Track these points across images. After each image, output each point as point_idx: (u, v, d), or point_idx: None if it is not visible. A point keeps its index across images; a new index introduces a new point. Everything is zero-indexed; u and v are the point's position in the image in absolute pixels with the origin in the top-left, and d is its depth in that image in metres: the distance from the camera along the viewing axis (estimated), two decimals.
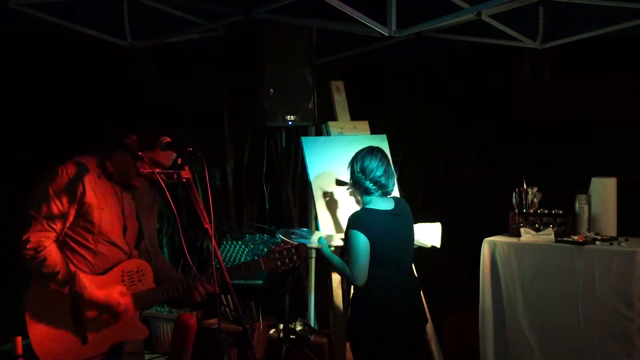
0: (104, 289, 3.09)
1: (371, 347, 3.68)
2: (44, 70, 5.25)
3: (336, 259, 3.79)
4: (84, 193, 3.08)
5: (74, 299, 3.05)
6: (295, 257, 3.40)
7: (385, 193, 3.75)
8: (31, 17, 4.24)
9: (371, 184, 3.70)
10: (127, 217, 3.23)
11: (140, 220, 3.28)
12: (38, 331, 3.03)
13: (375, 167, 3.69)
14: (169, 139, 3.15)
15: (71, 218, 3.09)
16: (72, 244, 3.12)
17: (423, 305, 4.03)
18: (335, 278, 4.43)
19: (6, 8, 4.00)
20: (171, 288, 3.21)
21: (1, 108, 5.10)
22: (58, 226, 3.07)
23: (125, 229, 3.22)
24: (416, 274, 4.09)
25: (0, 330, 3.60)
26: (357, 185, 3.75)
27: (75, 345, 3.06)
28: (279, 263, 3.37)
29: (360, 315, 3.74)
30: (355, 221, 3.63)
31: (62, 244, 3.11)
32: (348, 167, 3.81)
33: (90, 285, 3.05)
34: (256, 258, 3.42)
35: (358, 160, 3.74)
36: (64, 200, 3.05)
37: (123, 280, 3.15)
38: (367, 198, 3.74)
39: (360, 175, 3.71)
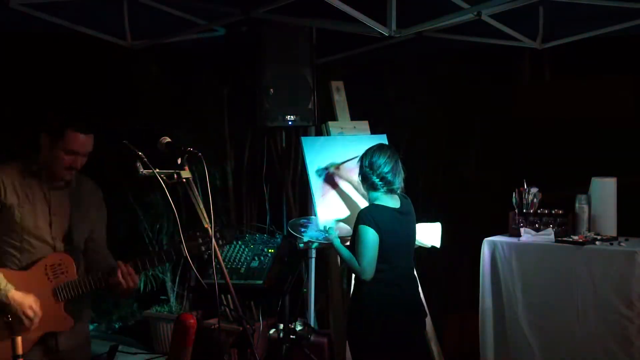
0: (24, 289, 3.13)
1: (370, 342, 3.72)
2: (44, 71, 5.25)
3: (345, 251, 3.85)
4: (5, 196, 3.17)
5: None
6: (219, 242, 3.37)
7: (391, 190, 3.80)
8: (31, 17, 4.24)
9: (377, 179, 3.77)
10: (54, 214, 3.28)
11: (75, 218, 3.32)
12: None
13: (383, 163, 3.77)
14: (168, 139, 3.16)
15: None
16: (2, 246, 3.20)
17: (422, 300, 4.11)
18: (335, 278, 4.43)
19: (6, 8, 4.00)
20: (90, 276, 3.25)
21: (1, 108, 5.10)
22: None
23: (50, 225, 3.26)
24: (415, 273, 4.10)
25: None
26: (365, 180, 3.84)
27: (3, 336, 3.08)
28: (203, 248, 3.27)
29: (360, 309, 3.79)
30: (365, 216, 3.71)
31: None
32: (358, 161, 3.90)
33: (7, 286, 3.09)
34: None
35: (367, 156, 3.83)
36: None
37: (47, 274, 3.21)
38: (374, 194, 3.82)
39: (368, 170, 3.80)
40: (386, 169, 3.76)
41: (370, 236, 3.67)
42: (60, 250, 3.28)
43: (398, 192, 3.86)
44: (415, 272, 4.01)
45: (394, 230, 3.73)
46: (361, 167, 3.84)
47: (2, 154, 3.66)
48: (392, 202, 3.80)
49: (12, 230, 3.20)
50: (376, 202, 3.80)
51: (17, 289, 3.12)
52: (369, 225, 3.67)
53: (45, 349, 3.22)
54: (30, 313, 3.11)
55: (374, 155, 3.79)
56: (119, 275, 3.21)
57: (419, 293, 4.07)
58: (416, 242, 4.51)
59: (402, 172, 3.85)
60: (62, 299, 3.21)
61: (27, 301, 3.11)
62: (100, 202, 3.47)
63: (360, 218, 3.73)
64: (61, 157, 3.18)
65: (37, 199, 3.25)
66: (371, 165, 3.78)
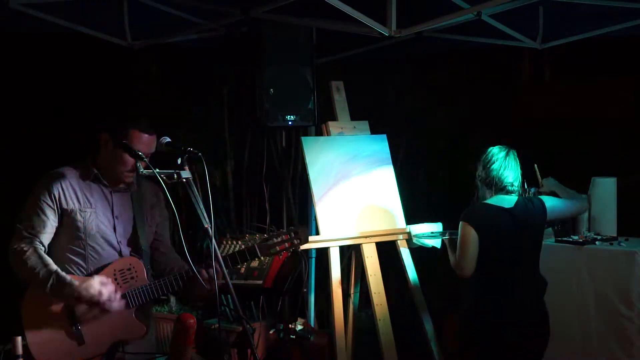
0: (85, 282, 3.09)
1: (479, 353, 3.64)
2: (44, 71, 5.24)
3: (449, 250, 3.81)
4: (65, 201, 3.15)
5: (61, 300, 3.07)
6: (295, 241, 3.35)
7: (508, 191, 3.68)
8: (31, 17, 4.24)
9: (491, 177, 3.67)
10: (118, 217, 3.24)
11: (139, 221, 3.28)
12: (36, 336, 3.05)
13: (496, 161, 3.68)
14: (168, 139, 3.16)
15: (55, 225, 3.16)
16: (66, 253, 3.17)
17: (545, 316, 3.69)
18: (335, 278, 4.43)
19: (6, 8, 4.00)
20: (165, 282, 3.19)
21: (1, 108, 5.10)
22: (42, 235, 3.13)
23: (115, 229, 3.23)
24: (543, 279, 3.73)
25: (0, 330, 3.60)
26: (482, 178, 3.74)
27: (73, 346, 3.06)
28: (277, 248, 3.33)
29: (467, 310, 3.70)
30: (466, 214, 3.66)
31: (58, 255, 3.16)
32: (482, 159, 3.78)
33: (72, 280, 3.06)
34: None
35: (490, 158, 3.73)
36: (47, 211, 3.13)
37: (116, 279, 3.15)
38: (488, 193, 3.71)
39: (482, 167, 3.72)
40: (497, 167, 3.66)
41: (468, 233, 3.58)
42: (126, 254, 3.24)
43: (514, 192, 3.70)
44: (538, 273, 3.69)
45: (500, 230, 3.59)
46: (483, 167, 3.74)
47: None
48: (505, 202, 3.65)
49: (75, 236, 3.15)
50: (485, 201, 3.70)
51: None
52: (468, 222, 3.60)
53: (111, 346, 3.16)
54: (104, 291, 3.05)
55: (489, 154, 3.72)
56: (202, 272, 3.13)
57: (541, 305, 3.69)
58: (417, 242, 4.52)
59: (519, 173, 3.73)
60: (133, 305, 3.15)
61: (94, 281, 3.05)
62: (163, 204, 3.42)
63: (462, 215, 3.66)
64: (125, 158, 3.13)
65: (99, 202, 3.20)
66: (488, 166, 3.69)
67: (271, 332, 4.74)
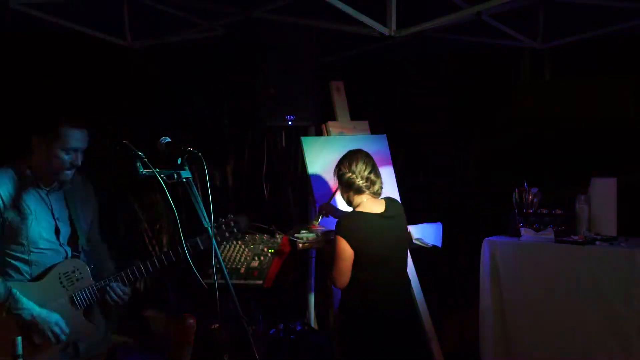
0: (41, 300, 3.06)
1: (359, 347, 3.70)
2: (44, 71, 5.24)
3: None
4: (4, 209, 3.06)
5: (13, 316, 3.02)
6: (234, 230, 3.37)
7: (376, 193, 3.75)
8: (31, 17, 4.24)
9: (362, 181, 3.72)
10: (58, 219, 3.19)
11: (75, 218, 3.25)
12: None
13: (363, 164, 3.72)
14: (168, 139, 3.15)
15: None
16: (7, 258, 3.10)
17: (414, 305, 4.06)
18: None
19: (6, 8, 4.00)
20: (105, 282, 3.20)
21: (1, 108, 5.09)
22: None
23: (58, 231, 3.18)
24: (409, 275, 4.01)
25: None
26: (349, 186, 3.76)
27: (27, 352, 3.03)
28: (218, 239, 3.32)
29: (347, 317, 3.75)
30: (340, 226, 3.67)
31: None
32: (335, 172, 3.82)
33: (28, 303, 3.02)
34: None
35: (346, 161, 3.77)
36: None
37: (61, 282, 3.13)
38: (359, 199, 3.75)
39: (350, 175, 3.72)
40: (368, 170, 3.71)
41: (342, 247, 3.62)
42: (69, 254, 3.21)
43: (380, 194, 3.79)
44: (407, 274, 3.92)
45: (376, 236, 3.66)
46: (342, 175, 3.76)
47: None
48: (376, 206, 3.74)
49: (17, 243, 3.09)
50: (358, 209, 3.74)
51: (34, 301, 3.04)
52: (342, 236, 3.62)
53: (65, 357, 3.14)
54: (57, 330, 3.06)
55: (353, 159, 3.74)
56: (113, 298, 3.18)
57: (410, 297, 4.01)
58: (417, 242, 4.51)
59: (380, 174, 3.80)
60: (81, 307, 3.16)
61: (52, 318, 3.06)
62: (93, 196, 3.39)
63: (336, 227, 3.68)
64: (60, 157, 3.09)
65: (37, 206, 3.15)
66: (353, 170, 3.71)
67: (271, 332, 4.74)
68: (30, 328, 3.03)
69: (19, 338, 2.78)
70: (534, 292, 4.36)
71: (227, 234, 3.38)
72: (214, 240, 2.95)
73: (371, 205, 3.74)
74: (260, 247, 4.39)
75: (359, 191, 3.74)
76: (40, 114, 3.21)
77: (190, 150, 3.02)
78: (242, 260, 4.33)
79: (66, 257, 3.19)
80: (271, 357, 4.61)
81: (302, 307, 5.11)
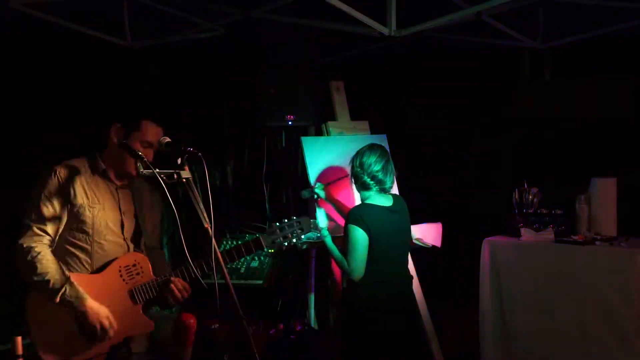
0: (99, 293, 3.08)
1: (363, 342, 3.72)
2: (44, 71, 5.24)
3: (336, 251, 3.85)
4: (74, 195, 3.12)
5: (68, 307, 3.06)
6: (299, 231, 3.37)
7: (383, 189, 3.80)
8: (31, 17, 4.24)
9: (369, 179, 3.77)
10: (124, 213, 3.25)
11: (139, 218, 3.29)
12: (41, 334, 3.05)
13: (373, 162, 3.77)
14: (168, 139, 3.16)
15: (64, 221, 3.14)
16: (68, 247, 3.15)
17: (415, 301, 4.11)
18: (336, 278, 4.43)
19: (6, 8, 4.00)
20: (166, 279, 3.21)
21: (1, 108, 5.09)
22: (51, 230, 3.11)
23: (122, 225, 3.24)
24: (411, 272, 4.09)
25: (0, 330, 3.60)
26: (356, 180, 3.84)
27: (81, 343, 3.06)
28: (281, 238, 3.34)
29: (352, 309, 3.79)
30: (354, 216, 3.71)
31: (58, 247, 3.14)
32: (350, 162, 3.88)
33: (84, 294, 3.05)
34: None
35: (358, 156, 3.83)
36: (55, 204, 3.10)
37: (121, 275, 3.16)
38: (366, 193, 3.82)
39: (358, 170, 3.80)
40: (377, 168, 3.76)
41: (359, 236, 3.66)
42: (132, 250, 3.25)
43: (390, 191, 3.86)
44: (409, 270, 3.99)
45: (385, 228, 3.72)
46: (352, 168, 3.85)
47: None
48: (383, 200, 3.81)
49: (82, 231, 3.14)
50: (366, 202, 3.80)
51: (92, 294, 3.07)
52: (358, 225, 3.66)
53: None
54: (106, 323, 3.07)
55: (364, 155, 3.79)
56: (175, 290, 3.17)
57: (411, 293, 4.07)
58: (417, 242, 4.52)
59: (393, 171, 3.85)
60: (140, 301, 3.17)
61: (103, 311, 3.07)
62: (160, 203, 3.44)
63: (350, 217, 3.72)
64: (137, 149, 3.12)
65: (106, 197, 3.20)
66: (362, 165, 3.78)
67: (271, 332, 4.74)
68: (80, 319, 3.05)
69: (19, 338, 2.79)
70: (534, 292, 4.36)
71: (288, 236, 3.38)
72: (214, 241, 2.96)
73: (379, 198, 3.80)
74: None
75: (365, 186, 3.77)
76: (123, 104, 3.27)
77: (190, 150, 3.03)
78: (242, 260, 4.33)
79: (127, 251, 3.23)
80: (271, 357, 4.61)
81: (302, 307, 5.11)
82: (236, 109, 5.75)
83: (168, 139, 3.16)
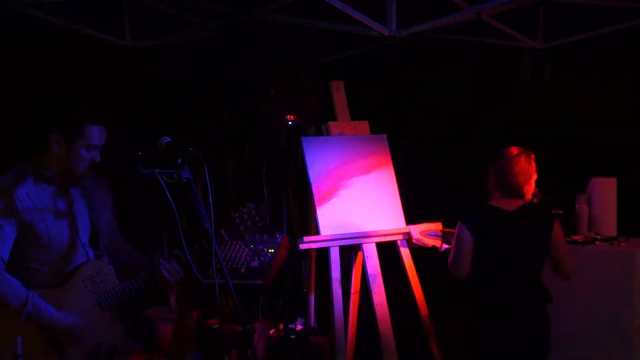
0: (66, 307, 3.01)
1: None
2: (44, 71, 5.24)
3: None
4: (22, 209, 2.96)
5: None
6: (256, 218, 3.32)
7: (514, 195, 3.60)
8: (31, 17, 4.24)
9: (499, 181, 3.60)
10: (78, 218, 3.12)
11: (94, 217, 3.18)
12: (10, 352, 2.88)
13: (510, 167, 3.59)
14: (168, 139, 3.14)
15: (14, 237, 2.97)
16: (25, 262, 3.00)
17: (546, 326, 3.62)
18: (335, 278, 4.42)
19: (6, 8, 4.00)
20: (134, 281, 3.14)
21: (1, 108, 5.09)
22: (2, 250, 2.94)
23: (77, 231, 3.11)
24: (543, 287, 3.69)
25: None
26: (487, 178, 3.68)
27: (54, 357, 2.99)
28: (242, 228, 3.30)
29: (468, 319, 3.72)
30: (466, 214, 3.62)
31: (16, 263, 2.98)
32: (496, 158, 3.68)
33: (47, 307, 2.96)
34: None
35: (499, 158, 3.64)
36: (3, 221, 2.93)
37: (85, 286, 3.07)
38: (495, 193, 3.64)
39: (493, 170, 3.64)
40: (511, 173, 3.56)
41: (464, 235, 3.57)
42: (92, 255, 3.14)
43: (522, 196, 3.61)
44: (532, 278, 3.62)
45: (499, 233, 3.53)
46: (490, 166, 3.66)
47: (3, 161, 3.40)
48: (510, 205, 3.58)
49: (36, 245, 2.99)
50: (490, 202, 3.63)
51: (59, 308, 2.99)
52: (465, 224, 3.57)
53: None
54: (75, 332, 3.00)
55: (504, 159, 3.60)
56: (164, 273, 3.11)
57: (541, 315, 3.61)
58: (417, 242, 4.51)
59: (528, 181, 3.61)
60: (108, 309, 3.11)
61: (70, 320, 3.00)
62: (109, 192, 3.34)
63: (463, 215, 3.62)
64: (82, 154, 3.03)
65: (57, 206, 3.06)
66: (497, 167, 3.60)
67: (271, 332, 4.74)
68: (49, 332, 2.98)
69: (19, 338, 2.78)
70: None
71: (249, 224, 3.34)
72: (214, 241, 2.95)
73: (505, 202, 3.60)
74: (260, 247, 4.40)
75: (493, 187, 3.65)
76: (61, 112, 3.15)
77: (190, 150, 3.02)
78: (242, 260, 4.33)
79: (88, 258, 3.13)
80: (271, 357, 4.61)
81: (302, 307, 5.11)
82: (236, 109, 5.75)
83: (168, 139, 3.13)
